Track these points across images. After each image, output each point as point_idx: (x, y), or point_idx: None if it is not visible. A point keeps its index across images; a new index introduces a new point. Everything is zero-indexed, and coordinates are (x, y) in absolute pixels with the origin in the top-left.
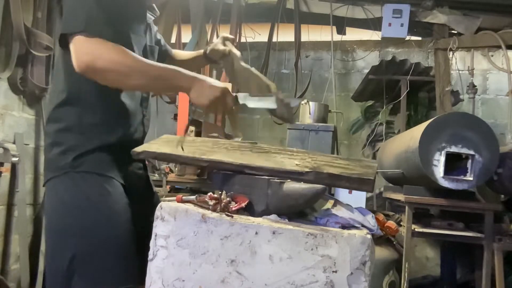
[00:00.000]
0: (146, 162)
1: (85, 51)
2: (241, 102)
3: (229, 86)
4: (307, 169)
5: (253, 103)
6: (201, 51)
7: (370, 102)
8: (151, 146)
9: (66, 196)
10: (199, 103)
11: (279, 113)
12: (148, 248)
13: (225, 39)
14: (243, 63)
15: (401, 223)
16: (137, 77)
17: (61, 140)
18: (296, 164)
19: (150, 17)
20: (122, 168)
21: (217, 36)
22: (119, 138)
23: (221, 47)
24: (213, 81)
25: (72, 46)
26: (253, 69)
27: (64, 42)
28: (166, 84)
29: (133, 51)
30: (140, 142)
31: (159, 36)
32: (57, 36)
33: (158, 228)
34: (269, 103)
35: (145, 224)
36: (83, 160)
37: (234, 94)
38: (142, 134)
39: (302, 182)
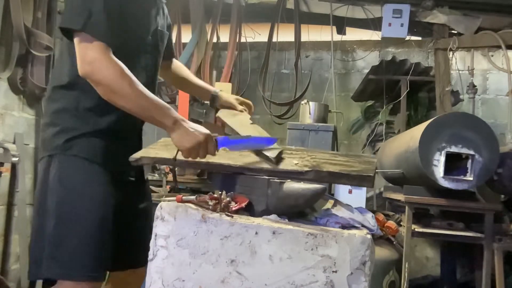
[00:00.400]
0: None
1: (88, 60)
2: (220, 147)
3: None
4: (306, 168)
5: (233, 147)
6: (212, 88)
7: (370, 102)
8: (149, 151)
9: (51, 178)
10: (180, 146)
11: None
12: (131, 234)
13: (244, 103)
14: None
15: (401, 223)
16: (125, 100)
17: (57, 121)
18: (296, 163)
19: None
20: (114, 155)
21: (217, 37)
22: (113, 125)
23: (235, 102)
24: (196, 126)
25: (76, 48)
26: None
27: (67, 33)
28: (150, 117)
29: (139, 38)
30: (138, 130)
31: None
32: (59, 25)
33: (158, 228)
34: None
35: (133, 212)
36: (73, 143)
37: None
38: (140, 123)
39: (302, 182)
